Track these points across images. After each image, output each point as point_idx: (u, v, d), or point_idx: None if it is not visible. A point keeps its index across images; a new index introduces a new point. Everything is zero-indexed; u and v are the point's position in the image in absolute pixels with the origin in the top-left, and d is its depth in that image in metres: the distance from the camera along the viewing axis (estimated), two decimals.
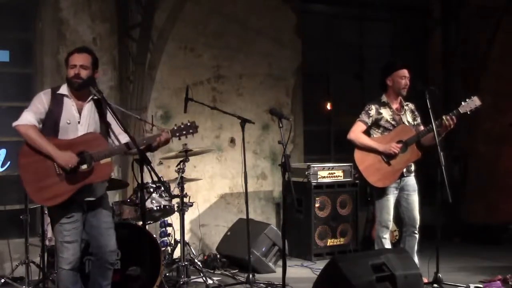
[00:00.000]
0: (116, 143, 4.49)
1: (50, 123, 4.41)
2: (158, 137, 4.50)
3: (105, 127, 4.54)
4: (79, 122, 4.45)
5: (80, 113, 4.48)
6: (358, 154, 5.72)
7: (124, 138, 4.46)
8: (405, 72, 5.73)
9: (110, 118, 4.54)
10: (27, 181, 4.34)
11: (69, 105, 4.47)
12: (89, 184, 4.40)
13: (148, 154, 4.45)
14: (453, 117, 5.53)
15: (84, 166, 4.35)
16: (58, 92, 4.49)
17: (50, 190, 4.31)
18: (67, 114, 4.44)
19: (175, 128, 4.60)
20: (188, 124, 4.62)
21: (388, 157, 5.64)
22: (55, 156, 4.29)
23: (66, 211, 4.39)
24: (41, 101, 4.44)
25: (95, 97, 4.54)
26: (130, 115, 6.29)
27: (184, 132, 4.60)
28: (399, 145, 5.64)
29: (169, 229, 6.53)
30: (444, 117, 5.53)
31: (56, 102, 4.44)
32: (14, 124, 4.41)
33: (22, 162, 4.36)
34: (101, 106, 4.56)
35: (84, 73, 4.46)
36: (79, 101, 4.50)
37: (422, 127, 5.78)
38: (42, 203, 4.50)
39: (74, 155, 4.32)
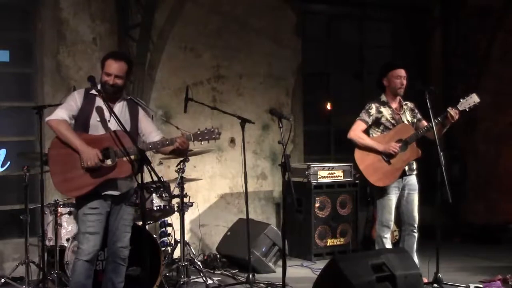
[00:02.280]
0: (148, 141, 4.64)
1: (81, 120, 4.59)
2: (176, 141, 4.56)
3: (135, 127, 4.68)
4: (109, 121, 4.59)
5: (110, 112, 4.56)
6: (358, 154, 5.72)
7: (155, 137, 4.67)
8: (401, 72, 5.73)
9: (142, 117, 4.74)
10: (54, 172, 4.53)
11: (100, 104, 4.60)
12: (112, 179, 4.54)
13: (148, 154, 4.49)
14: (457, 111, 5.55)
15: (108, 162, 4.50)
16: (91, 92, 4.63)
17: (74, 182, 4.48)
18: (98, 112, 4.59)
19: (198, 132, 4.67)
20: (212, 129, 4.65)
21: (388, 156, 5.64)
22: (81, 150, 4.45)
23: (91, 202, 4.53)
24: (74, 99, 4.62)
25: (128, 98, 4.74)
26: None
27: (206, 137, 4.65)
28: (399, 145, 5.64)
29: (169, 229, 6.53)
30: (449, 110, 5.54)
31: (88, 101, 4.61)
32: (47, 119, 4.62)
33: (51, 153, 4.56)
34: (132, 106, 4.73)
35: (118, 82, 4.60)
36: (110, 101, 4.60)
37: (423, 122, 5.78)
38: (66, 194, 4.67)
39: (99, 152, 4.46)
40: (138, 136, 4.72)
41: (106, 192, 4.58)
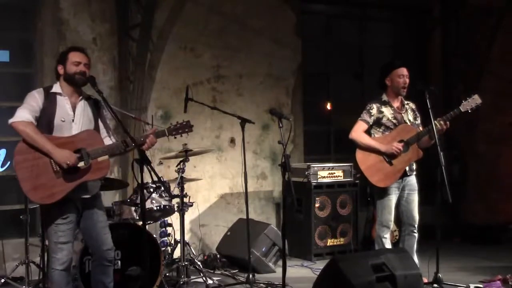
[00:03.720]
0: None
1: (44, 121, 4.40)
2: (148, 139, 4.52)
3: (98, 126, 4.57)
4: (73, 120, 4.46)
5: (74, 111, 4.49)
6: (359, 154, 5.70)
7: (108, 142, 4.55)
8: (403, 71, 5.72)
9: (102, 116, 4.62)
10: (23, 179, 4.29)
11: (63, 103, 4.46)
12: (85, 181, 4.41)
13: (148, 154, 4.47)
14: (447, 121, 5.54)
15: (81, 164, 4.36)
16: (51, 91, 4.48)
17: (47, 188, 4.29)
18: (61, 112, 4.44)
19: (172, 127, 4.69)
20: (184, 123, 4.70)
21: (390, 157, 5.62)
22: (53, 153, 4.29)
23: (62, 211, 4.38)
24: (35, 99, 4.42)
25: (87, 95, 4.59)
26: (126, 114, 6.34)
27: (180, 131, 4.70)
28: (401, 145, 5.63)
29: (169, 229, 6.53)
30: (437, 122, 5.54)
31: (50, 100, 4.44)
32: (11, 121, 4.38)
33: (17, 159, 4.33)
34: (94, 105, 4.60)
35: (87, 71, 4.52)
36: (72, 99, 4.50)
37: (421, 128, 5.78)
38: (39, 202, 4.42)
39: (73, 153, 4.32)
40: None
41: (77, 196, 4.42)
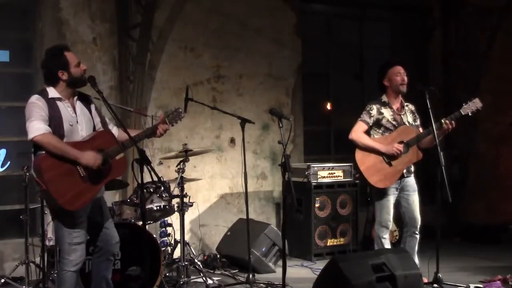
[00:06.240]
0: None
1: (54, 129, 4.32)
2: (159, 128, 4.66)
3: (93, 122, 4.58)
4: (77, 122, 4.44)
5: (75, 112, 4.46)
6: (359, 155, 5.70)
7: (112, 128, 4.67)
8: (399, 68, 5.72)
9: (93, 111, 4.61)
10: (59, 193, 4.24)
11: (64, 107, 4.41)
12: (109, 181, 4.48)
13: (148, 154, 4.48)
14: (452, 121, 5.55)
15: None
16: (49, 96, 4.38)
17: (80, 195, 4.30)
18: (67, 116, 4.40)
19: (170, 116, 4.78)
20: (179, 110, 4.84)
21: (390, 157, 5.62)
22: (80, 158, 4.27)
23: (76, 213, 4.38)
24: (41, 108, 4.30)
25: (77, 93, 4.56)
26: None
27: (176, 119, 4.81)
28: (402, 146, 5.62)
29: (169, 229, 6.53)
30: (443, 121, 5.54)
31: (51, 107, 4.34)
32: (31, 136, 4.24)
33: (48, 177, 4.22)
34: (85, 101, 4.58)
35: None
36: (70, 102, 4.47)
37: (421, 129, 5.78)
38: (74, 209, 4.35)
39: (96, 153, 4.34)
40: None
41: (94, 197, 4.47)
